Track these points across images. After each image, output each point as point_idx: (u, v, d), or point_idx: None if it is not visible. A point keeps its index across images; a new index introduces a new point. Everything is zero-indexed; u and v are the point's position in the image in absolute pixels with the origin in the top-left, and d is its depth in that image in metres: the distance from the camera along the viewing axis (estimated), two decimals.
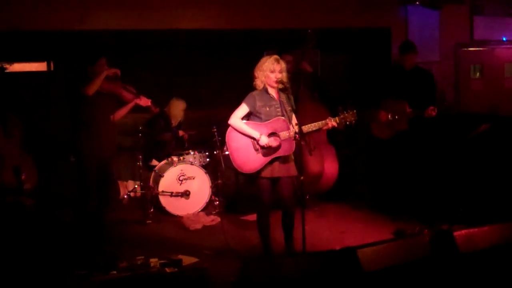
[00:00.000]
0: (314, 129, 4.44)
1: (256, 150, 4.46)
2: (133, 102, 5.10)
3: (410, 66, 5.76)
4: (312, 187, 6.44)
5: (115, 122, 5.02)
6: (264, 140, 4.40)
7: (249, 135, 4.46)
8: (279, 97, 4.50)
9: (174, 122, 6.93)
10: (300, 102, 4.62)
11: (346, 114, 4.46)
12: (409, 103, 5.55)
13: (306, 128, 4.37)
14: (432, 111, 5.38)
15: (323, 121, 4.46)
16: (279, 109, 4.48)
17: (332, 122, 4.47)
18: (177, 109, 6.92)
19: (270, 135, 4.46)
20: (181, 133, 6.96)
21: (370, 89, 6.16)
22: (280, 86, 4.46)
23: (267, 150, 4.44)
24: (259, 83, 4.50)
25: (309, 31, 6.23)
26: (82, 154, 4.85)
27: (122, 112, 5.14)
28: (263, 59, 4.51)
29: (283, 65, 4.46)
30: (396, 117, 5.65)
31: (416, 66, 5.79)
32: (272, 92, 4.51)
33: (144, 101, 5.10)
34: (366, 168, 7.37)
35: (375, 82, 6.17)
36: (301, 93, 5.91)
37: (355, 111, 4.45)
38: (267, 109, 4.47)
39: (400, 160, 5.75)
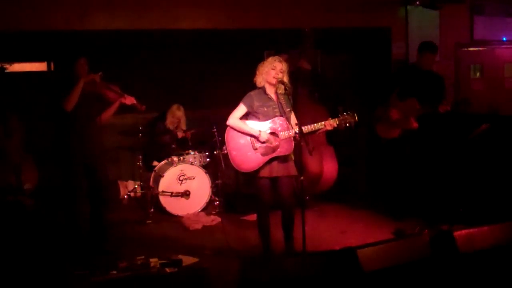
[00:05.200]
0: (313, 129, 4.44)
1: (255, 149, 4.48)
2: (118, 101, 4.95)
3: (426, 67, 5.73)
4: (312, 187, 6.45)
5: (102, 124, 4.91)
6: (264, 136, 4.42)
7: (248, 133, 4.48)
8: (277, 98, 4.52)
9: (171, 127, 6.93)
10: (298, 102, 4.62)
11: (346, 116, 4.44)
12: (418, 101, 5.53)
13: (305, 128, 4.38)
14: (446, 106, 5.36)
15: (323, 122, 4.46)
16: (276, 110, 4.51)
17: (332, 123, 4.46)
18: (172, 115, 6.92)
19: (270, 134, 4.48)
20: (180, 134, 6.95)
21: (380, 87, 6.11)
22: (281, 89, 4.49)
23: (265, 149, 4.45)
24: (260, 79, 4.53)
25: (307, 30, 6.23)
26: (67, 158, 4.75)
27: (108, 113, 4.99)
28: (267, 58, 4.58)
29: (284, 66, 4.50)
30: (406, 115, 5.62)
31: (430, 70, 5.76)
32: (271, 92, 4.53)
33: (129, 100, 4.96)
34: (366, 168, 7.37)
35: (386, 80, 6.13)
36: (299, 93, 5.90)
37: (355, 113, 4.45)
38: (265, 109, 4.50)
39: (405, 160, 5.72)
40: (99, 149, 4.96)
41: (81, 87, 4.65)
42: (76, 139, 4.73)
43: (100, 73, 4.78)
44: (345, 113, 4.45)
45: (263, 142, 4.45)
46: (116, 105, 4.97)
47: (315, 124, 4.43)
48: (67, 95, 4.63)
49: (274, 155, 4.45)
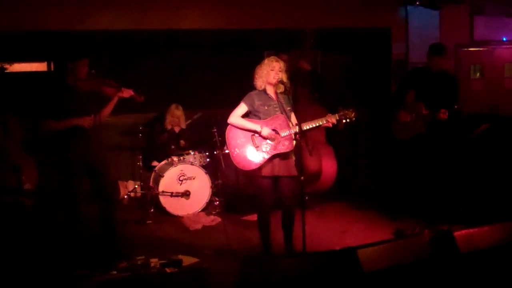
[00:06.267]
0: (313, 126, 4.45)
1: (257, 146, 4.48)
2: (116, 96, 4.88)
3: (436, 69, 5.72)
4: (311, 186, 6.45)
5: (102, 121, 4.86)
6: (266, 131, 4.43)
7: (250, 129, 4.50)
8: (278, 97, 4.53)
9: (170, 127, 6.93)
10: (298, 102, 4.63)
11: (346, 111, 4.48)
12: (430, 105, 5.48)
13: (305, 125, 4.39)
14: (443, 114, 5.34)
15: (323, 118, 4.48)
16: (277, 108, 4.52)
17: (331, 119, 4.48)
18: (171, 114, 6.91)
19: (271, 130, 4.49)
20: (177, 129, 6.95)
21: (394, 90, 6.11)
22: (281, 88, 4.50)
23: (267, 147, 4.46)
24: (260, 82, 4.54)
25: (307, 30, 6.23)
26: (67, 159, 4.69)
27: (107, 110, 4.92)
28: (263, 60, 4.59)
29: (282, 64, 4.53)
30: (414, 118, 5.63)
31: (442, 70, 5.75)
32: (271, 92, 4.55)
33: (127, 92, 4.89)
34: (366, 168, 7.37)
35: (400, 82, 6.14)
36: (299, 93, 5.91)
37: (355, 108, 4.47)
38: (266, 108, 4.51)
39: (417, 162, 5.71)
40: (101, 148, 4.91)
41: (68, 126, 4.64)
42: (76, 139, 4.70)
43: (93, 71, 4.75)
44: (345, 109, 4.47)
45: (265, 139, 4.47)
46: (114, 101, 4.90)
47: (316, 120, 4.46)
48: (54, 117, 4.64)
49: (275, 152, 4.46)
